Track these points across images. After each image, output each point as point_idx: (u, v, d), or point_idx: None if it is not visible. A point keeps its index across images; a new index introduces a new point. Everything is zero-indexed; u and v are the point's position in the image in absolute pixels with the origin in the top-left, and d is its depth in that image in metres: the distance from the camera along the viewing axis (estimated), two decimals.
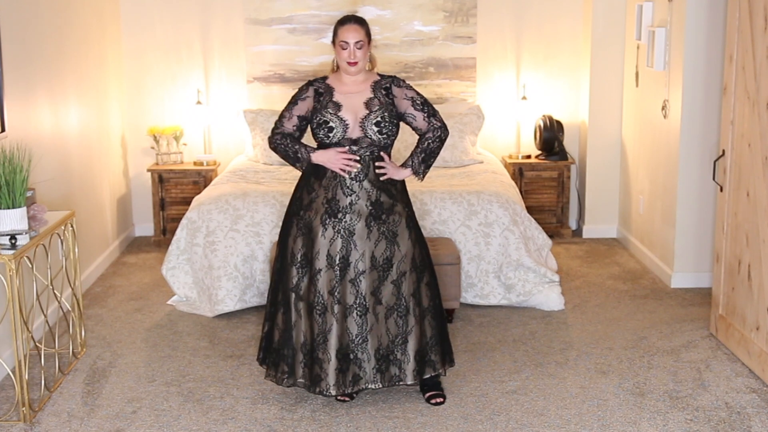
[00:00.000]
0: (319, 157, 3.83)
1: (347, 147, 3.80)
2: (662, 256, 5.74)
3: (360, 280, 3.80)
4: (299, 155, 3.89)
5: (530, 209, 6.44)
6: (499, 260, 5.18)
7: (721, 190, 4.57)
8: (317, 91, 3.90)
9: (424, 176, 3.96)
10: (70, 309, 4.47)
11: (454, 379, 4.15)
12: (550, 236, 6.51)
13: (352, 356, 3.81)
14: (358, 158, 3.81)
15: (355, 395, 3.93)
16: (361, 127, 3.79)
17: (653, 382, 4.14)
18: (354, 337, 3.80)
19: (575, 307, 5.21)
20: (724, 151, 4.52)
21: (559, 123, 6.72)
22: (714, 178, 4.63)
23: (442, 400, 3.93)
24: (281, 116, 3.94)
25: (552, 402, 3.94)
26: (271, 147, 3.96)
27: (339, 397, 3.92)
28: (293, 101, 3.93)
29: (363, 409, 3.87)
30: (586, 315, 5.08)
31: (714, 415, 3.80)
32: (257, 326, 4.91)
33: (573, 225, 7.02)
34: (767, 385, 4.09)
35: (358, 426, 3.73)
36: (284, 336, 3.88)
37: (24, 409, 3.73)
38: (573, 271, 5.93)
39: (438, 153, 3.95)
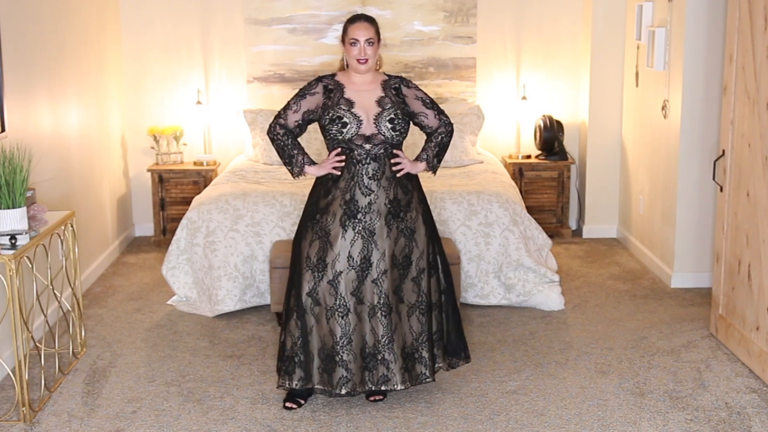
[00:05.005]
0: (313, 170, 3.87)
1: (359, 144, 3.80)
2: (662, 256, 5.74)
3: (383, 280, 3.79)
4: (294, 160, 3.89)
5: (530, 209, 6.44)
6: (499, 260, 5.18)
7: (721, 190, 4.57)
8: (327, 88, 3.89)
9: (436, 171, 3.98)
10: (70, 309, 4.47)
11: (455, 379, 4.15)
12: (550, 236, 6.51)
13: (379, 357, 3.80)
14: (343, 157, 3.81)
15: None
16: (375, 124, 3.79)
17: (653, 382, 4.14)
18: (380, 338, 3.80)
19: (575, 307, 5.21)
20: (724, 151, 4.52)
21: (559, 123, 6.72)
22: (714, 178, 4.63)
23: (381, 397, 3.95)
24: (287, 106, 3.92)
25: (552, 402, 3.94)
26: (268, 135, 3.94)
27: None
28: (301, 94, 3.91)
29: (363, 409, 3.87)
30: (586, 315, 5.08)
31: (714, 415, 3.80)
32: (257, 326, 4.91)
33: (573, 225, 7.02)
34: (767, 385, 4.09)
35: (358, 426, 3.73)
36: (299, 342, 3.83)
37: (24, 409, 3.73)
38: (573, 271, 5.93)
39: (448, 147, 4.01)
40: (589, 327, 4.89)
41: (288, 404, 3.88)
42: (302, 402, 3.89)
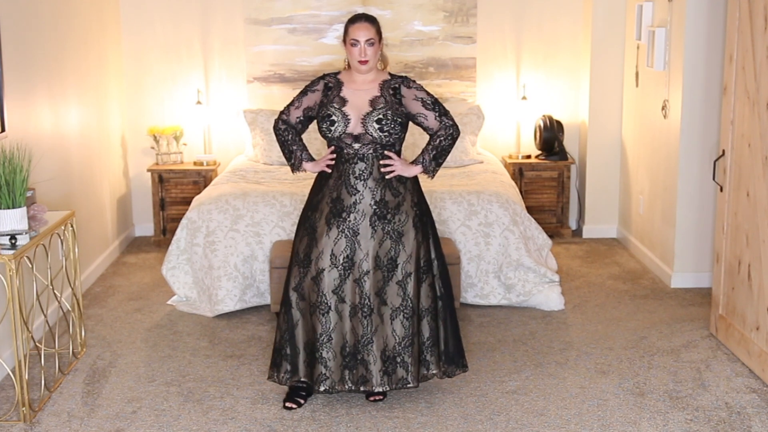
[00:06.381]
0: (309, 167, 3.94)
1: (349, 143, 3.81)
2: (662, 256, 5.74)
3: (364, 281, 3.79)
4: (293, 155, 3.97)
5: (530, 209, 6.44)
6: (499, 260, 5.18)
7: (721, 190, 4.57)
8: (327, 85, 3.91)
9: (434, 174, 3.93)
10: (70, 309, 4.47)
11: (455, 379, 4.15)
12: (550, 236, 6.51)
13: (359, 357, 3.81)
14: (334, 156, 3.84)
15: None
16: (362, 123, 3.79)
17: (653, 382, 4.14)
18: (360, 338, 3.80)
19: (575, 307, 5.21)
20: (724, 151, 4.52)
21: (559, 123, 6.72)
22: (714, 178, 4.63)
23: (381, 397, 3.95)
24: (290, 103, 3.98)
25: (552, 402, 3.94)
26: (273, 129, 4.04)
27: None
28: (304, 91, 3.96)
29: (363, 409, 3.87)
30: (586, 315, 5.08)
31: (714, 415, 3.80)
32: (257, 326, 4.91)
33: (573, 225, 7.02)
34: (767, 385, 4.09)
35: (358, 426, 3.73)
36: (286, 335, 3.88)
37: (24, 409, 3.73)
38: (573, 271, 5.93)
39: (449, 151, 3.92)
40: (589, 327, 4.89)
41: (288, 404, 3.88)
42: (302, 402, 3.90)
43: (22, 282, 3.81)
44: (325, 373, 3.81)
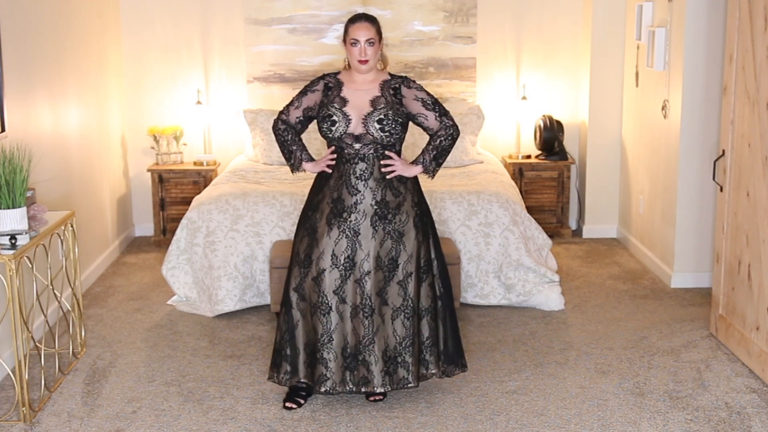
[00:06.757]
0: (309, 167, 3.93)
1: (350, 143, 3.81)
2: (662, 256, 5.74)
3: (365, 281, 3.79)
4: (293, 156, 3.97)
5: (530, 209, 6.44)
6: (499, 260, 5.18)
7: (721, 190, 4.57)
8: (327, 85, 3.91)
9: (434, 174, 3.93)
10: (70, 309, 4.47)
11: (455, 379, 4.15)
12: (550, 236, 6.51)
13: (360, 357, 3.80)
14: (334, 156, 3.83)
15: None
16: (363, 123, 3.79)
17: (653, 382, 4.14)
18: (361, 339, 3.80)
19: (575, 307, 5.21)
20: (724, 151, 4.52)
21: (559, 123, 6.72)
22: (714, 178, 4.63)
23: (381, 398, 3.94)
24: (290, 103, 3.97)
25: (552, 402, 3.94)
26: (272, 129, 4.02)
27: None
28: (304, 91, 3.95)
29: (363, 409, 3.87)
30: (586, 315, 5.08)
31: (714, 415, 3.80)
32: (257, 326, 4.91)
33: (573, 225, 7.02)
34: (767, 385, 4.09)
35: (358, 426, 3.73)
36: (286, 336, 3.88)
37: (24, 409, 3.73)
38: (573, 271, 5.93)
39: (449, 151, 3.93)
40: (589, 327, 4.89)
41: (288, 404, 3.88)
42: (302, 402, 3.90)
43: (22, 282, 3.81)
44: (325, 374, 3.81)
